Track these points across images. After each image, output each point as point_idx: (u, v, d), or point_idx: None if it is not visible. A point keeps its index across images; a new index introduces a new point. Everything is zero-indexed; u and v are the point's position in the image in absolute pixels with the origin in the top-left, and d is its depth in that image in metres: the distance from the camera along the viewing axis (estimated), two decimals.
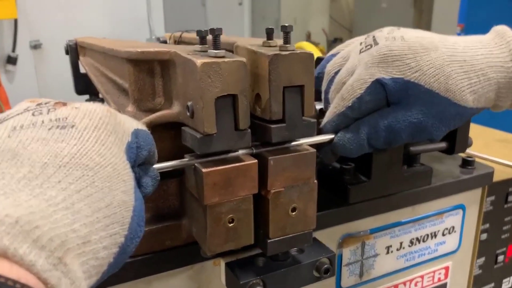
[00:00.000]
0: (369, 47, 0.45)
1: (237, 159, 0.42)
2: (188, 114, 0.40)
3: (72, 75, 0.84)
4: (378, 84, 0.43)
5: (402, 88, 0.43)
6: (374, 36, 0.46)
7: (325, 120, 0.48)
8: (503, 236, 0.81)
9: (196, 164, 0.41)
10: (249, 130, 0.41)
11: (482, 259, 0.80)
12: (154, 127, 0.45)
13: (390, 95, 0.43)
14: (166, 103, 0.48)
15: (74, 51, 0.83)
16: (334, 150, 0.48)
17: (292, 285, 0.49)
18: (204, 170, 0.40)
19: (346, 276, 0.59)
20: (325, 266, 0.49)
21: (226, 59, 0.38)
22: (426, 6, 3.11)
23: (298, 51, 0.41)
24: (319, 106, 0.57)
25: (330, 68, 0.51)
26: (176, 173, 0.48)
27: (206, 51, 0.40)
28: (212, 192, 0.40)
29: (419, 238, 0.64)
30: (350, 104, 0.44)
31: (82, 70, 0.85)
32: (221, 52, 0.39)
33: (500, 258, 0.82)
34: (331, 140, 0.47)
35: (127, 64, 0.46)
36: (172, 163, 0.41)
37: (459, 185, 0.64)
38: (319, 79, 0.54)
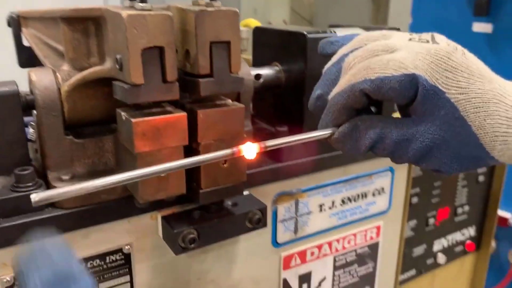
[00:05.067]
0: (424, 41, 0.38)
1: (167, 112, 0.44)
2: (117, 67, 0.42)
3: (15, 48, 0.84)
4: (416, 81, 0.35)
5: (437, 104, 0.35)
6: (433, 35, 0.39)
7: (335, 90, 0.39)
8: (433, 200, 0.87)
9: (126, 116, 0.43)
10: (177, 83, 0.44)
11: (414, 221, 0.86)
12: (88, 84, 0.47)
13: (418, 103, 0.36)
14: (101, 63, 0.49)
15: (16, 23, 0.82)
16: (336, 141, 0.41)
17: (225, 235, 0.52)
18: (133, 120, 0.42)
19: (281, 231, 0.63)
20: (257, 217, 0.53)
21: (151, 12, 0.40)
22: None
23: (223, 8, 0.44)
24: None
25: (344, 49, 0.42)
26: (111, 130, 0.50)
27: (133, 6, 0.42)
28: (142, 142, 0.43)
29: (350, 197, 0.68)
30: (372, 78, 0.35)
31: (25, 43, 0.85)
32: (148, 5, 0.41)
33: (431, 221, 0.89)
34: (331, 135, 0.40)
35: (61, 23, 0.47)
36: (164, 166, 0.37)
37: None
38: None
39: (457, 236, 0.94)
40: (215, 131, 0.47)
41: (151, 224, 0.53)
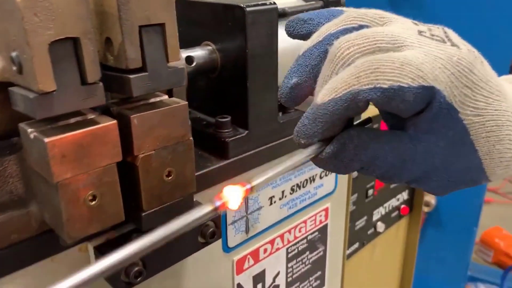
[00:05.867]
0: (439, 39, 0.30)
1: (91, 122, 0.34)
2: (14, 69, 0.31)
3: None
4: (432, 95, 0.28)
5: (447, 123, 0.29)
6: (445, 30, 0.31)
7: (329, 93, 0.28)
8: None
9: (35, 134, 0.32)
10: (101, 84, 0.33)
11: (355, 195, 0.84)
12: None
13: (426, 120, 0.29)
14: None
15: None
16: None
17: (176, 258, 0.44)
18: (46, 140, 0.31)
19: (232, 235, 0.56)
20: (211, 229, 0.45)
21: None
22: None
23: None
24: None
25: (330, 26, 0.32)
26: (13, 146, 0.38)
27: None
28: (62, 167, 0.32)
29: (299, 184, 0.63)
30: (385, 87, 0.26)
31: None
32: None
33: (370, 192, 0.87)
34: (316, 155, 0.30)
35: None
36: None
37: None
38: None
39: (393, 202, 0.94)
40: (155, 138, 0.37)
41: (80, 257, 0.42)
